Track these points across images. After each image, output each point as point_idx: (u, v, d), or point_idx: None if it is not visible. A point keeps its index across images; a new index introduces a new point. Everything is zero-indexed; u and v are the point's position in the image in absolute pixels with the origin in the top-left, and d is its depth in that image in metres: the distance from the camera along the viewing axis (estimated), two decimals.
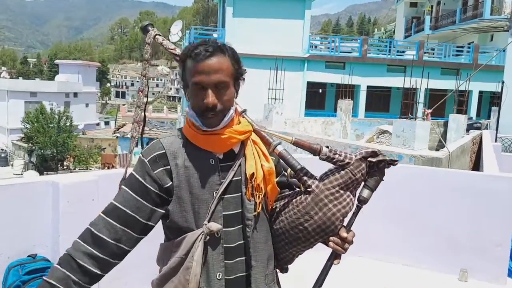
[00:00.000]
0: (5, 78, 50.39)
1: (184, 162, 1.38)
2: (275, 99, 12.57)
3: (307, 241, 1.45)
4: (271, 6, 21.43)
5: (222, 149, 1.42)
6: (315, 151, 1.45)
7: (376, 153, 1.43)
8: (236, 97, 1.45)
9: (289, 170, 1.55)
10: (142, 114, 1.85)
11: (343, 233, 1.42)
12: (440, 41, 28.42)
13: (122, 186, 1.41)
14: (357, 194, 1.47)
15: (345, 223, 1.45)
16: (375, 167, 1.44)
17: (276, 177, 1.51)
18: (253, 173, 1.41)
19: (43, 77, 68.05)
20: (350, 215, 1.45)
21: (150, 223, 1.40)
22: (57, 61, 50.68)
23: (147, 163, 1.39)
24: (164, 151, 1.39)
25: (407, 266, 4.31)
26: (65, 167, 28.38)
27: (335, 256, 1.46)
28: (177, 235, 1.39)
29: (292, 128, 13.13)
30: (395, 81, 21.69)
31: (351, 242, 1.43)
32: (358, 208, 1.47)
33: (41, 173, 24.43)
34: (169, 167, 1.38)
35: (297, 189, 1.54)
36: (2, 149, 31.82)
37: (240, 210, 1.41)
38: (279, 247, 1.51)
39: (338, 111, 15.96)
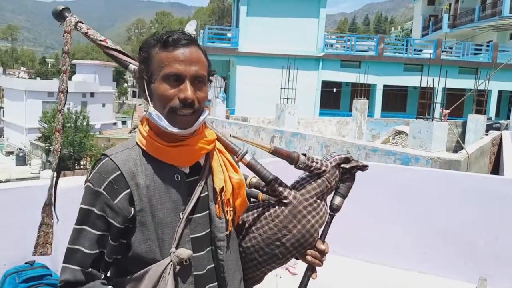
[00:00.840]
0: (24, 78, 51.15)
1: (146, 180, 1.15)
2: (288, 98, 12.43)
3: (283, 257, 1.35)
4: (285, 5, 21.28)
5: (189, 162, 1.23)
6: (293, 160, 1.35)
7: (348, 159, 1.39)
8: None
9: (248, 180, 1.43)
10: (62, 120, 1.45)
11: (321, 245, 1.34)
12: (458, 39, 27.96)
13: (78, 227, 1.14)
14: (328, 202, 1.42)
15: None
16: (347, 173, 1.40)
17: None
18: (222, 187, 1.25)
19: None
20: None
21: (119, 256, 1.21)
22: (74, 61, 51.18)
23: (103, 192, 1.13)
24: (119, 171, 1.15)
25: (423, 273, 4.15)
26: (82, 167, 28.63)
27: (311, 270, 1.38)
28: (139, 268, 1.16)
29: (305, 128, 12.98)
30: (412, 80, 21.39)
31: (326, 254, 1.36)
32: (331, 217, 1.40)
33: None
34: (129, 190, 1.14)
35: (261, 201, 1.42)
36: (20, 149, 32.26)
37: (209, 230, 1.24)
38: (249, 267, 1.38)
39: (353, 111, 15.79)
